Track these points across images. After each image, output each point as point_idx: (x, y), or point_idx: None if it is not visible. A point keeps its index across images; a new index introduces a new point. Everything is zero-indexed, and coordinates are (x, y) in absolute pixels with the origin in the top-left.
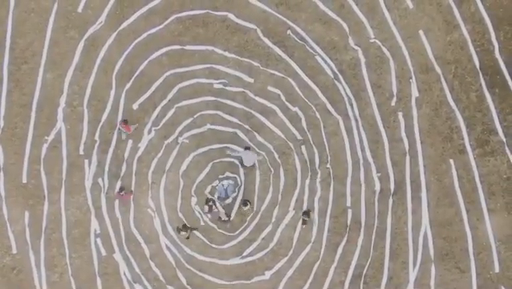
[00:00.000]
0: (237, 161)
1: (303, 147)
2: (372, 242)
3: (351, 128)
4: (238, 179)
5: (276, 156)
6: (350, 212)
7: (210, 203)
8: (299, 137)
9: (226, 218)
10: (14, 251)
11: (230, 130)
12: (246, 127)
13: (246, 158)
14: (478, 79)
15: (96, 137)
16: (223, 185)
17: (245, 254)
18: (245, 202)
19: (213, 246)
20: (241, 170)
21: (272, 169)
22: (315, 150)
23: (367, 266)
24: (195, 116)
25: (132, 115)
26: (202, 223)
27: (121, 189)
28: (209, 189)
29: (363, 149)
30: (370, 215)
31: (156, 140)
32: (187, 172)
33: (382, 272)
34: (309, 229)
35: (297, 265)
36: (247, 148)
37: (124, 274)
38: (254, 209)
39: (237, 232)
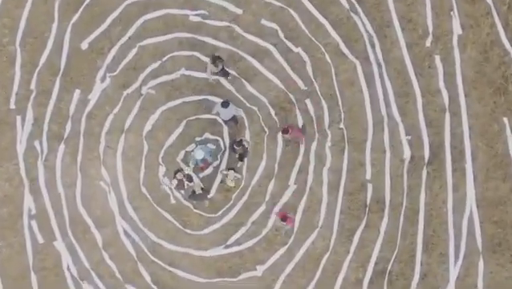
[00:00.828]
0: (220, 118)
1: (308, 100)
2: (400, 227)
3: (372, 75)
4: (221, 143)
5: (272, 112)
6: (370, 187)
7: (180, 176)
8: (303, 87)
9: (200, 191)
10: None
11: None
12: (232, 73)
13: (223, 111)
14: None
15: (32, 86)
16: (201, 149)
17: (229, 242)
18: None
19: (188, 231)
20: (225, 130)
21: (267, 130)
22: (324, 105)
23: (393, 260)
24: (164, 59)
25: (81, 57)
26: (173, 201)
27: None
28: (181, 155)
29: (388, 104)
30: (397, 192)
31: (112, 90)
32: (153, 132)
33: (413, 268)
34: (316, 210)
35: (299, 258)
36: (226, 102)
37: (68, 268)
38: (243, 181)
39: (219, 213)
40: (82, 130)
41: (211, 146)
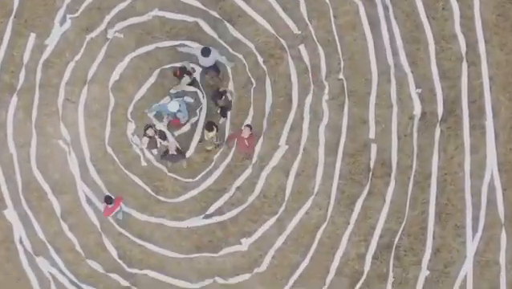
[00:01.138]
0: (197, 66)
1: (303, 46)
2: (409, 194)
3: (377, 18)
4: (200, 94)
5: (260, 60)
6: (374, 148)
7: (150, 133)
8: (296, 31)
9: (176, 153)
10: None
11: (189, 19)
12: (214, 14)
13: (203, 59)
14: None
15: None
16: (176, 102)
17: (210, 211)
18: (209, 126)
19: (161, 198)
20: (205, 79)
21: (253, 81)
22: (321, 51)
23: (401, 233)
24: None
25: None
26: (143, 164)
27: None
28: (154, 110)
29: (395, 52)
30: (405, 153)
31: (73, 33)
32: (120, 83)
33: (424, 242)
34: (311, 175)
35: (291, 229)
36: (206, 49)
37: (21, 241)
38: (224, 142)
39: (198, 177)
40: (37, 80)
41: (189, 99)
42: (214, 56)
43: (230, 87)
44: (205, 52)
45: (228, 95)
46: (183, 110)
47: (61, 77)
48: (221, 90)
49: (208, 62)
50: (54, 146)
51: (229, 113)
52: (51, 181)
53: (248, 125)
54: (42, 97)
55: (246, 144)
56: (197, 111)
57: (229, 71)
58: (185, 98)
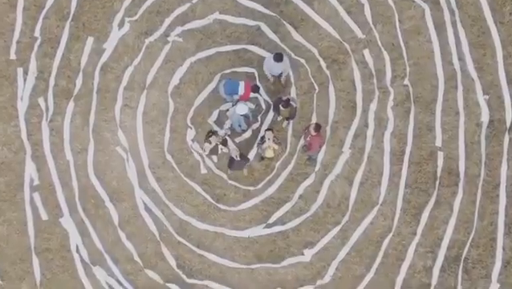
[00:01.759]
0: (268, 74)
1: (367, 51)
2: (477, 204)
3: (442, 22)
4: (262, 100)
5: (323, 64)
6: (441, 156)
7: (214, 141)
8: (361, 35)
9: (239, 159)
10: None
11: (250, 23)
12: (276, 17)
13: (274, 65)
14: None
15: (37, 33)
16: (244, 105)
17: (271, 220)
18: (262, 138)
19: (221, 206)
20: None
21: (316, 86)
22: (386, 57)
23: (469, 244)
24: (194, 1)
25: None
26: (204, 171)
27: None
28: (215, 115)
29: (461, 57)
30: (473, 162)
31: (132, 37)
32: (180, 88)
33: (493, 254)
34: (376, 183)
35: (355, 240)
36: (279, 54)
37: (77, 250)
38: (287, 149)
39: (259, 185)
40: (95, 85)
41: (250, 105)
42: (285, 63)
43: (293, 93)
44: (278, 58)
45: (292, 103)
46: (248, 113)
47: (119, 82)
48: (284, 98)
49: (278, 69)
50: (111, 153)
51: (291, 120)
52: (109, 188)
53: (315, 124)
54: (99, 102)
55: (309, 143)
56: (259, 117)
57: (292, 76)
58: (248, 104)
